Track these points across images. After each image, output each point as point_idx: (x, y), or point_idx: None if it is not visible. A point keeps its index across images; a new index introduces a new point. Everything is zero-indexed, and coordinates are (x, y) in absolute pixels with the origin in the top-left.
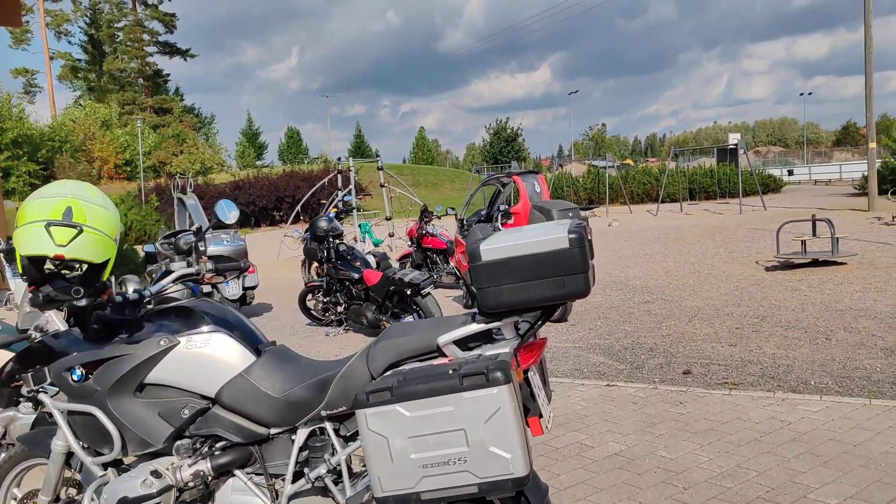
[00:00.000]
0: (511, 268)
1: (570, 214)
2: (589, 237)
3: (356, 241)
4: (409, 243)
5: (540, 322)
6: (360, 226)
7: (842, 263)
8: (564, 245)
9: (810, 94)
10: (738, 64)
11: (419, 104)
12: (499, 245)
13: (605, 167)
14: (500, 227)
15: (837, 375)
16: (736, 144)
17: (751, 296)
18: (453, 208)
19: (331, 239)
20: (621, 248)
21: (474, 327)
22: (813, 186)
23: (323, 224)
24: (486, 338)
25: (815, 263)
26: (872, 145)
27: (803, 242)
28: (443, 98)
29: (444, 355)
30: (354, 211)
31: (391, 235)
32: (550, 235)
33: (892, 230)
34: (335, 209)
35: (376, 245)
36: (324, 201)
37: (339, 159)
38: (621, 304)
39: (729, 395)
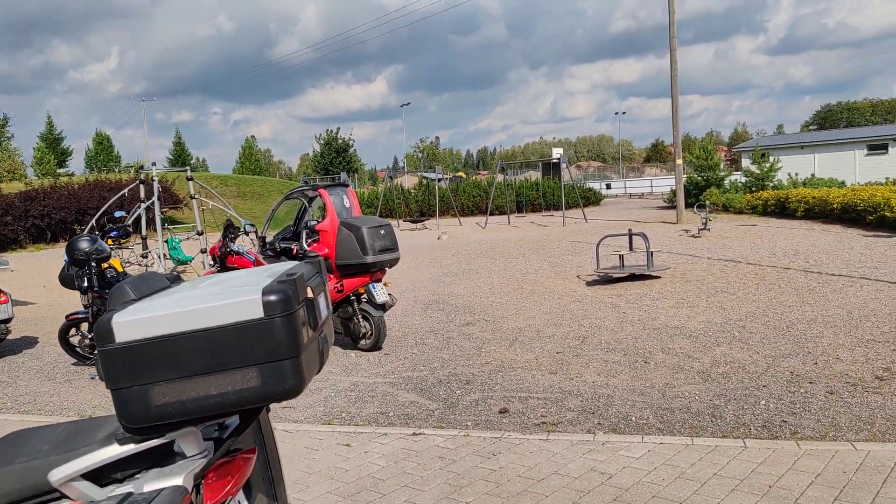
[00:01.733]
0: (167, 354)
1: (383, 232)
2: (310, 297)
3: (159, 258)
4: (213, 262)
5: (240, 428)
6: (166, 241)
7: (657, 277)
8: (257, 314)
9: (624, 113)
10: (562, 84)
11: (252, 112)
12: (146, 316)
13: (435, 179)
14: (305, 246)
15: (658, 407)
16: (559, 158)
17: (572, 314)
18: (253, 224)
19: (93, 263)
20: (448, 263)
21: (111, 452)
22: (628, 199)
23: (84, 245)
24: (152, 457)
25: (633, 277)
26: (679, 161)
27: (621, 257)
28: (277, 107)
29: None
30: (162, 226)
31: (203, 252)
32: (236, 298)
33: (698, 242)
34: (117, 224)
35: (185, 263)
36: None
37: (153, 164)
38: (442, 326)
39: (546, 440)
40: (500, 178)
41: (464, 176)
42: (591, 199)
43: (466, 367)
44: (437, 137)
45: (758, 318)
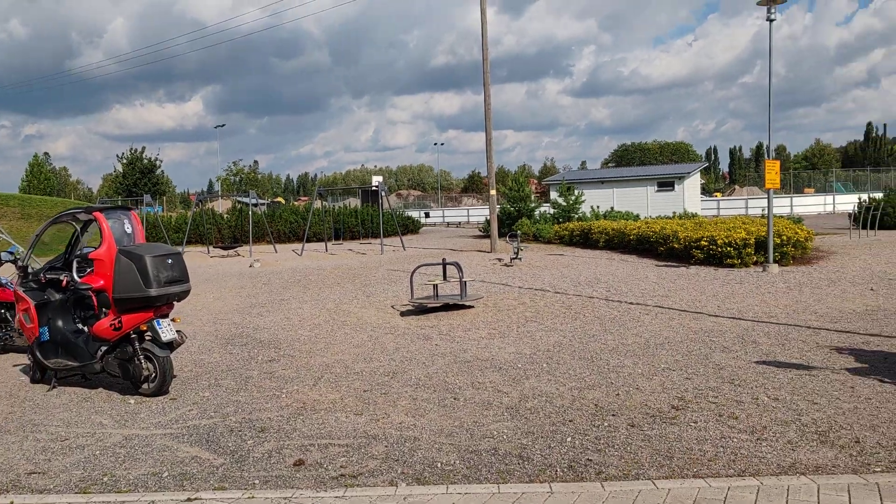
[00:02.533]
0: None
1: (170, 262)
2: None
3: None
4: None
5: None
6: None
7: (470, 307)
8: None
9: (443, 144)
10: (385, 113)
11: (47, 127)
12: None
13: (250, 204)
14: (77, 277)
15: (465, 450)
16: (377, 186)
17: (384, 347)
18: (11, 252)
19: None
20: (258, 293)
21: None
22: (446, 228)
23: None
24: None
25: (447, 307)
26: (493, 192)
27: (435, 286)
28: (77, 122)
29: None
30: None
31: None
32: None
33: (510, 271)
34: None
35: None
36: None
37: None
38: (241, 364)
39: (343, 497)
40: (318, 203)
41: (282, 201)
42: (409, 227)
43: (264, 410)
44: (255, 161)
45: (564, 349)
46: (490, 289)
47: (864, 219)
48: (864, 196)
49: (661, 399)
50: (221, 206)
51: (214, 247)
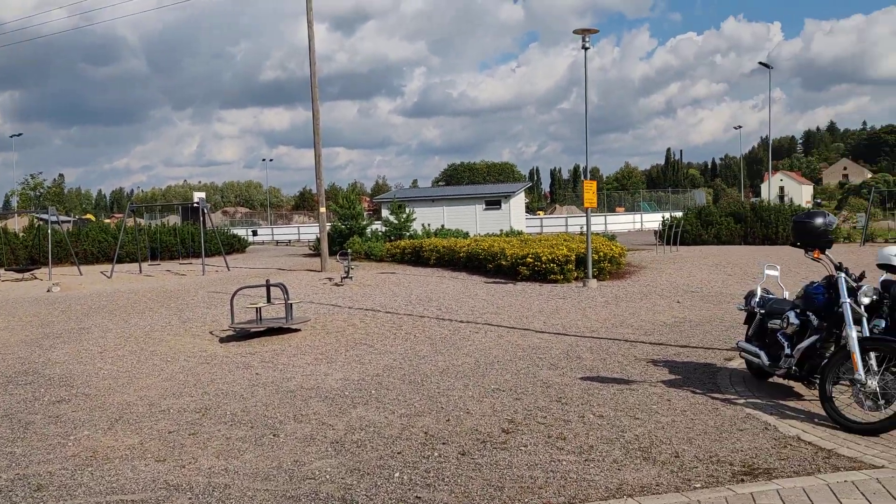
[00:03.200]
0: None
1: None
2: None
3: None
4: None
5: None
6: None
7: (296, 330)
8: None
9: (272, 160)
10: (211, 127)
11: None
12: None
13: (49, 221)
14: None
15: (282, 495)
16: (199, 202)
17: (197, 379)
18: None
19: None
20: (54, 322)
21: None
22: (275, 247)
23: None
24: None
25: (271, 332)
26: (323, 210)
27: (258, 310)
28: None
29: None
30: None
31: None
32: None
33: (341, 291)
34: None
35: None
36: None
37: None
38: (22, 407)
39: None
40: (130, 221)
41: (92, 218)
42: (235, 245)
43: (44, 463)
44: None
45: (394, 372)
46: (319, 310)
47: (668, 235)
48: (667, 214)
49: (492, 423)
50: (18, 223)
51: (7, 269)
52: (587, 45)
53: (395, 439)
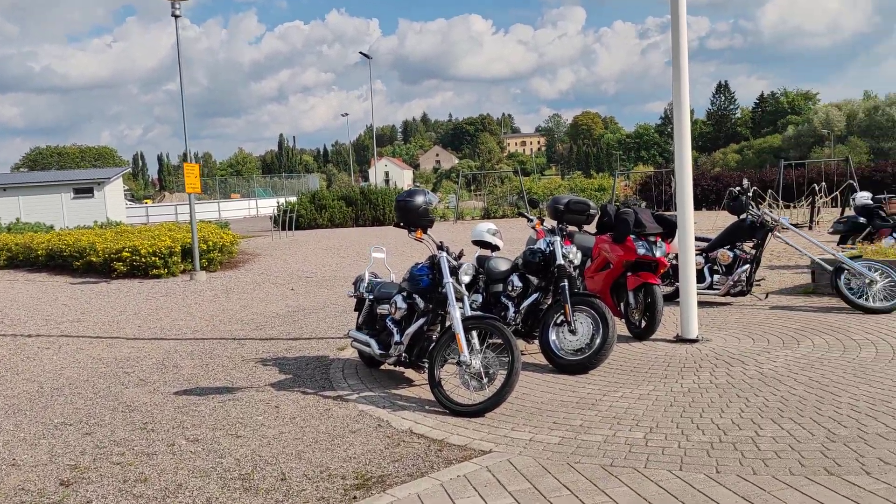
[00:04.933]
0: None
1: None
2: None
3: None
4: None
5: None
6: None
7: None
8: None
9: None
10: None
11: None
12: None
13: None
14: None
15: None
16: None
17: None
18: None
19: None
20: None
21: None
22: None
23: None
24: None
25: None
26: None
27: None
28: None
29: None
30: None
31: None
32: None
33: None
34: None
35: None
36: None
37: None
38: None
39: None
40: None
41: None
42: None
43: None
44: None
45: None
46: None
47: (284, 220)
48: (282, 200)
49: (48, 472)
50: None
51: None
52: (177, 12)
53: None
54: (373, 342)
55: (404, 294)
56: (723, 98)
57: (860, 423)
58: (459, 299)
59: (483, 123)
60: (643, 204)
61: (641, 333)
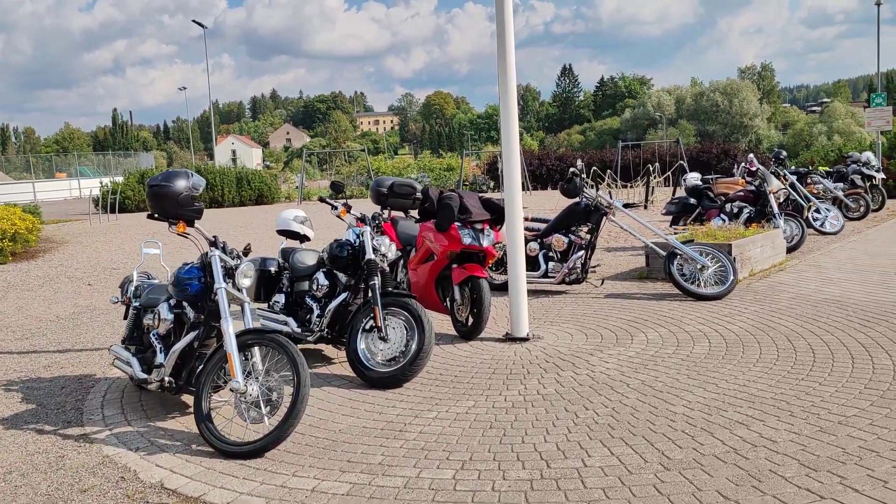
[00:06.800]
0: None
1: None
2: None
3: None
4: None
5: None
6: None
7: None
8: None
9: None
10: None
11: None
12: None
13: None
14: None
15: None
16: None
17: None
18: None
19: None
20: None
21: None
22: None
23: None
24: None
25: None
26: None
27: None
28: None
29: None
30: None
31: None
32: None
33: None
34: None
35: None
36: None
37: None
38: None
39: None
40: None
41: None
42: None
43: None
44: None
45: None
46: None
47: (106, 203)
48: (107, 180)
49: None
50: None
51: None
52: None
53: None
54: (135, 362)
55: (171, 302)
56: (567, 81)
57: (696, 440)
58: (242, 307)
59: (335, 101)
60: (492, 184)
61: (468, 332)
